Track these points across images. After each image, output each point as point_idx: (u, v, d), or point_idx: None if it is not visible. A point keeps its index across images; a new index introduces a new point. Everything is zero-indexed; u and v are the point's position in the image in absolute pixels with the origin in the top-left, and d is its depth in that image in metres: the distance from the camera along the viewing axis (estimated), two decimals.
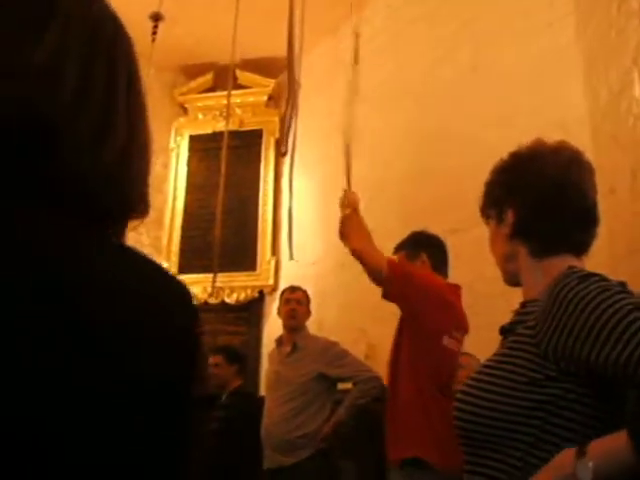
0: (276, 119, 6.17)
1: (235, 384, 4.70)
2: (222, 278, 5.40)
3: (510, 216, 1.43)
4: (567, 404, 1.18)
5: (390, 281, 2.66)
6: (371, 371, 3.73)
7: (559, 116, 3.49)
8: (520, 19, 3.91)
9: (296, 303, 4.07)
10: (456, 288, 2.93)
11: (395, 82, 4.82)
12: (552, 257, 1.38)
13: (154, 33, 5.50)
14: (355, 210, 2.90)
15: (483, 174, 4.07)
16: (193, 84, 6.43)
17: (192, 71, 6.43)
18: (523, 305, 1.41)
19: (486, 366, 1.33)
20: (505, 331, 1.40)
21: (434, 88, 4.45)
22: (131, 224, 0.70)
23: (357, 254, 2.75)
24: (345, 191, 3.00)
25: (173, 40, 5.78)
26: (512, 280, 1.51)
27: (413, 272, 2.77)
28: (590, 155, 3.29)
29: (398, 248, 3.07)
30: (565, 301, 1.18)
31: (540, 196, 1.40)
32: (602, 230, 3.16)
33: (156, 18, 5.48)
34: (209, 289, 5.19)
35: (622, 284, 1.25)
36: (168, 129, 6.39)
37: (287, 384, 3.84)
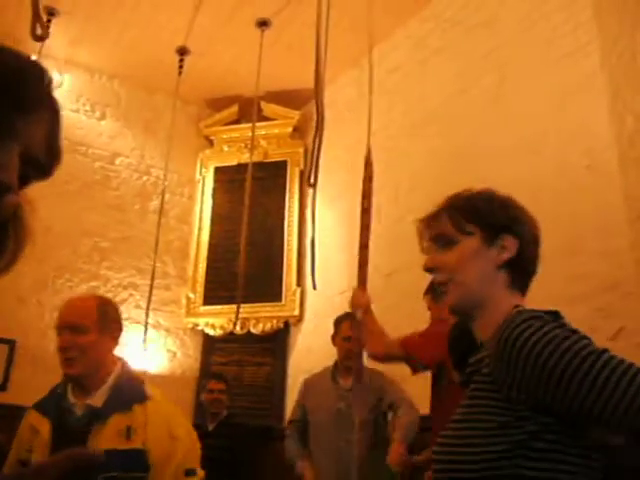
0: (300, 150, 6.22)
1: (225, 413, 4.79)
2: (247, 309, 5.41)
3: (513, 245, 1.50)
4: (544, 436, 1.23)
5: (409, 357, 3.06)
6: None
7: (585, 143, 3.47)
8: (544, 47, 3.91)
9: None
10: None
11: (418, 111, 4.84)
12: (519, 295, 1.50)
13: (180, 67, 5.60)
14: (366, 311, 3.10)
15: None
16: (218, 117, 6.50)
17: (217, 104, 6.51)
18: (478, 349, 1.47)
19: (455, 421, 1.36)
20: (465, 382, 1.44)
21: (458, 117, 4.45)
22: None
23: (376, 359, 3.21)
24: (354, 291, 3.16)
25: (199, 74, 5.87)
26: (465, 300, 1.49)
27: (419, 341, 3.07)
28: (617, 182, 3.28)
29: (427, 291, 3.29)
30: (516, 348, 1.26)
31: (535, 239, 1.57)
32: (629, 259, 3.13)
33: (182, 52, 5.58)
34: (234, 320, 5.18)
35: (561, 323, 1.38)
36: (194, 161, 6.46)
37: (351, 420, 3.57)
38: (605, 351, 1.23)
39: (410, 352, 3.00)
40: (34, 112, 0.79)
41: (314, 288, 3.38)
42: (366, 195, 3.28)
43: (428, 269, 1.52)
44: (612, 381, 1.16)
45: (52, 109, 0.83)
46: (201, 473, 2.30)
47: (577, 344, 1.24)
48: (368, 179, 3.32)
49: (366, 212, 3.26)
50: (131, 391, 2.27)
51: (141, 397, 2.25)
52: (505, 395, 1.27)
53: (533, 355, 1.23)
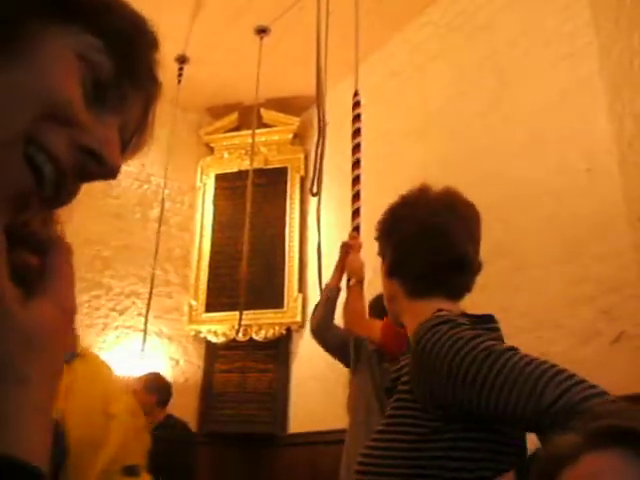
0: (301, 156, 6.23)
1: (159, 416, 4.46)
2: (250, 315, 5.41)
3: (387, 255, 1.50)
4: (461, 450, 1.23)
5: (382, 346, 2.88)
6: None
7: (585, 146, 3.48)
8: (542, 50, 3.92)
9: None
10: None
11: (417, 116, 4.84)
12: (424, 299, 1.43)
13: (180, 75, 5.61)
14: (359, 283, 3.02)
15: (509, 206, 4.07)
16: (218, 124, 6.51)
17: (217, 111, 6.52)
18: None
19: (378, 431, 1.37)
20: (388, 391, 1.46)
21: (457, 121, 4.46)
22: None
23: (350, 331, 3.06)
24: (350, 254, 3.10)
25: (198, 81, 5.89)
26: (396, 320, 1.54)
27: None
28: (617, 184, 3.29)
29: None
30: (424, 355, 1.26)
31: (409, 239, 1.46)
32: (631, 261, 3.13)
33: (182, 61, 5.59)
34: (237, 327, 5.18)
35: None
36: (194, 168, 6.47)
37: None
38: (509, 350, 1.22)
39: (386, 342, 2.82)
40: (140, 88, 0.64)
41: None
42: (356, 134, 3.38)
43: None
44: (510, 379, 1.15)
45: (152, 91, 0.67)
46: (147, 478, 1.65)
47: (482, 344, 1.22)
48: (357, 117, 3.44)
49: (357, 148, 3.40)
50: None
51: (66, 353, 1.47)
52: (422, 405, 1.27)
53: (439, 358, 1.23)
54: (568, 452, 0.75)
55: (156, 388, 4.56)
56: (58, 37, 0.55)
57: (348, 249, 3.08)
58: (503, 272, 3.60)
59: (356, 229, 3.23)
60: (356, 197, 3.37)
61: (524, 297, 3.50)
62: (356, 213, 3.32)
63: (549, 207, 3.58)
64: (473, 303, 1.71)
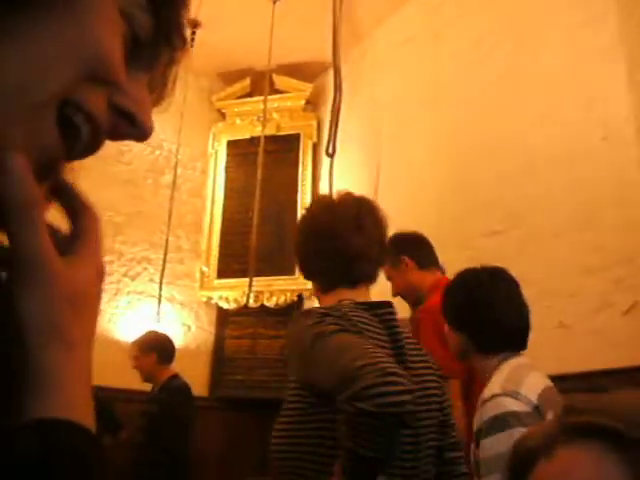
0: (313, 123, 6.18)
1: (165, 375, 4.38)
2: (261, 282, 5.42)
3: (300, 265, 1.82)
4: (336, 416, 1.37)
5: None
6: None
7: (603, 114, 3.43)
8: (560, 16, 3.84)
9: None
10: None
11: (432, 83, 4.79)
12: (331, 292, 1.67)
13: (192, 40, 5.55)
14: None
15: (524, 175, 4.03)
16: (230, 90, 6.46)
17: (229, 77, 6.47)
18: None
19: (280, 410, 1.56)
20: None
21: (472, 88, 4.40)
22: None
23: None
24: None
25: (210, 46, 5.83)
26: None
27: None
28: (634, 152, 3.24)
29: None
30: (288, 340, 1.58)
31: (304, 250, 1.75)
32: None
33: (194, 25, 5.53)
34: (248, 293, 5.20)
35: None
36: (206, 135, 6.44)
37: None
38: (336, 332, 1.39)
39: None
40: (170, 45, 0.62)
41: None
42: None
43: None
44: (322, 360, 1.35)
45: (178, 48, 0.64)
46: None
47: (314, 330, 1.41)
48: None
49: None
50: None
51: None
52: (300, 384, 1.47)
53: (294, 344, 1.50)
54: (542, 444, 0.74)
55: (154, 346, 4.45)
56: None
57: None
58: (516, 241, 3.58)
59: None
60: None
61: (536, 266, 3.48)
62: None
63: (563, 176, 3.54)
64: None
